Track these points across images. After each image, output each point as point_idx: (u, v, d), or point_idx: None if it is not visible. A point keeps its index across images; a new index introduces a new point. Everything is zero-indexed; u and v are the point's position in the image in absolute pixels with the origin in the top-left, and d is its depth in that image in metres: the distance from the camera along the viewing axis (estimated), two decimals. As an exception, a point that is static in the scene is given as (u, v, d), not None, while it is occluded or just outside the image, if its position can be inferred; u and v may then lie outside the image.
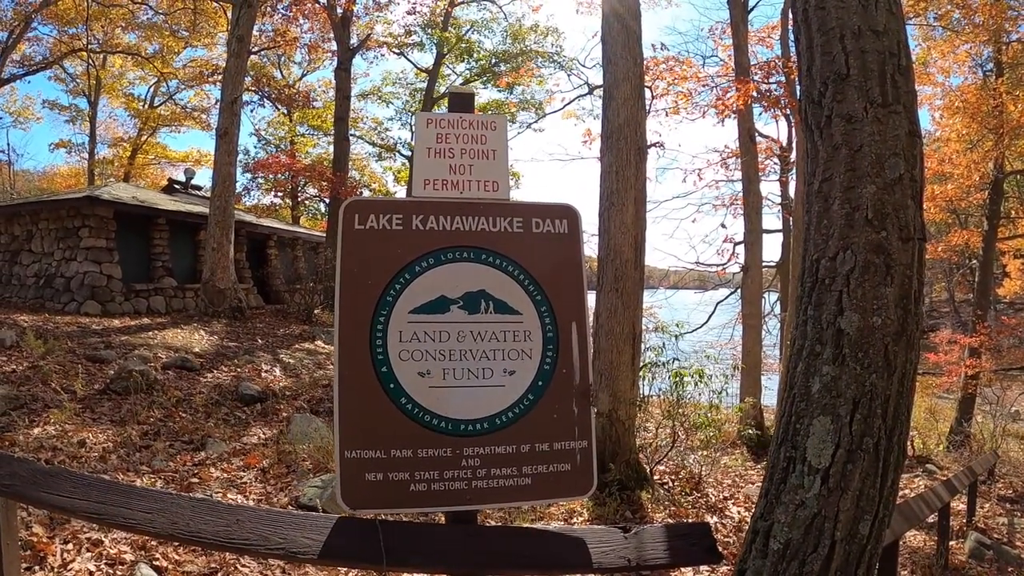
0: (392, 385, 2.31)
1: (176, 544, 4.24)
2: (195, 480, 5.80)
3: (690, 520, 6.51)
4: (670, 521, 6.47)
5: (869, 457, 2.12)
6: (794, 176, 16.53)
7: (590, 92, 21.89)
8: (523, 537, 2.50)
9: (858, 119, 2.25)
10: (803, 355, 2.27)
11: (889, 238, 2.17)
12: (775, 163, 21.22)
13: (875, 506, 2.14)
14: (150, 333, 11.39)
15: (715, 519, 6.73)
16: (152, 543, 4.26)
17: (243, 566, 4.31)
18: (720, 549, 2.46)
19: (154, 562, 4.13)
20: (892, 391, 2.16)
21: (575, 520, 6.28)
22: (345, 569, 4.41)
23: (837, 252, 2.23)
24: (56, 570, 3.86)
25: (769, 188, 21.29)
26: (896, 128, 2.22)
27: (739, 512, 7.11)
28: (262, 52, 26.50)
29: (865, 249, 2.18)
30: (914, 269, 2.21)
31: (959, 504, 8.11)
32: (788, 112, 16.05)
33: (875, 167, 2.20)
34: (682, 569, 5.22)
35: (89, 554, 4.07)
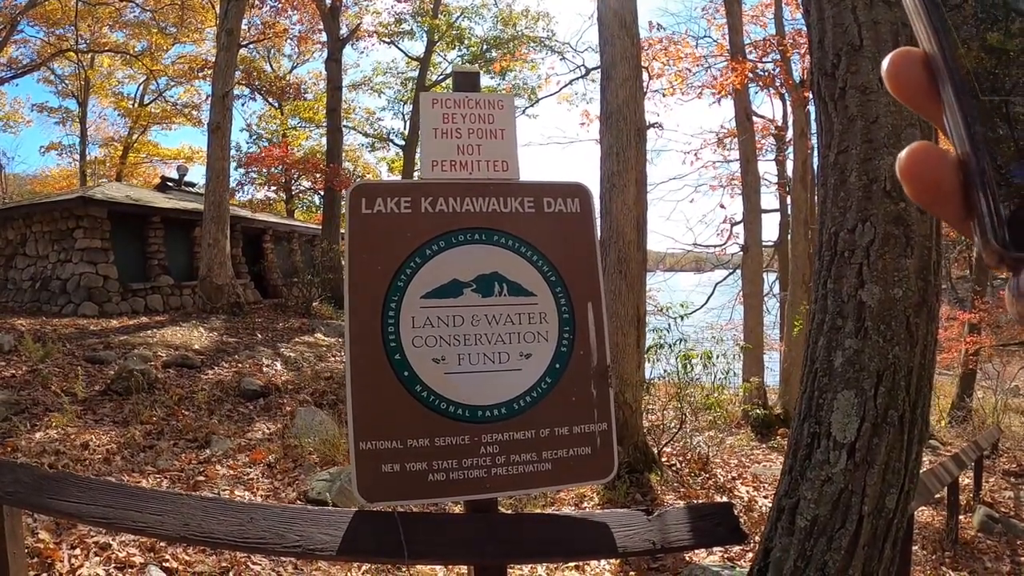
0: (406, 373, 2.26)
1: (186, 545, 4.20)
2: (201, 478, 5.76)
3: (700, 501, 6.49)
4: (680, 503, 6.46)
5: (894, 430, 2.09)
6: (791, 155, 16.46)
7: (586, 74, 21.79)
8: (545, 524, 2.46)
9: (873, 90, 2.21)
10: (824, 329, 2.24)
11: (908, 209, 2.14)
12: (771, 143, 21.16)
13: (901, 479, 2.12)
14: (149, 332, 11.31)
15: (725, 499, 6.72)
16: (161, 545, 4.22)
17: (255, 564, 4.27)
18: (741, 529, 2.43)
19: (164, 564, 4.09)
20: (915, 363, 2.14)
21: (586, 505, 6.25)
22: (358, 564, 4.38)
23: (856, 224, 2.20)
24: (65, 576, 3.82)
25: (765, 168, 21.22)
26: (912, 98, 2.18)
27: (748, 492, 7.11)
28: (251, 45, 26.27)
29: (884, 221, 2.15)
30: (933, 240, 2.19)
31: (965, 479, 8.12)
32: (784, 91, 15.97)
33: (892, 138, 2.17)
34: (696, 550, 5.21)
35: (97, 558, 4.03)
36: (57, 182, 35.42)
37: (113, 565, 4.00)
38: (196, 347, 10.55)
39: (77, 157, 32.67)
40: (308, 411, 8.02)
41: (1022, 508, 8.02)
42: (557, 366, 2.37)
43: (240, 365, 9.92)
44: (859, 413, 2.10)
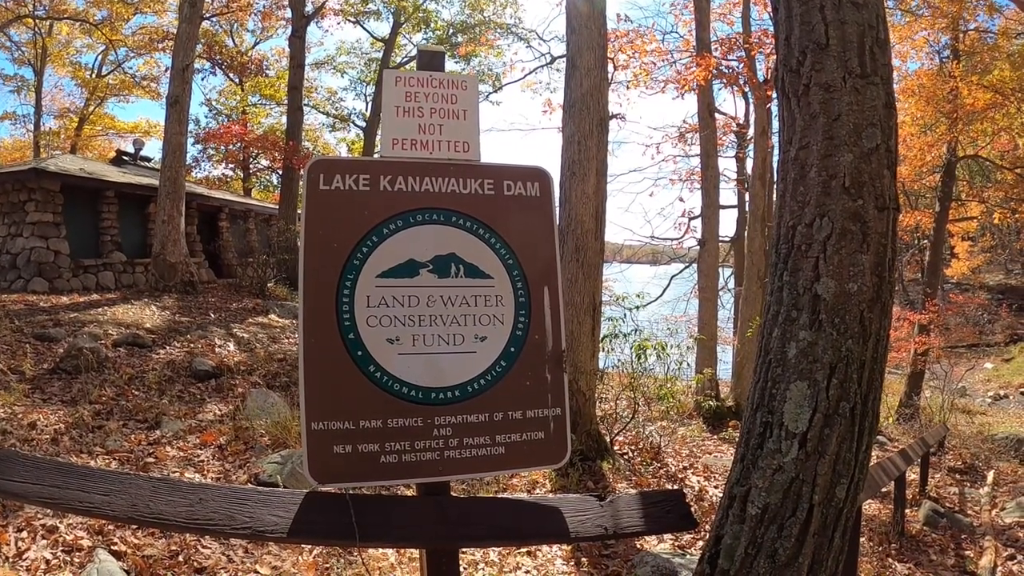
0: (360, 352, 2.23)
1: (135, 528, 4.12)
2: (151, 460, 5.65)
3: (651, 489, 6.55)
4: (632, 491, 6.51)
5: (846, 421, 2.12)
6: (751, 152, 16.63)
7: (552, 62, 21.82)
8: (498, 508, 2.45)
9: (836, 88, 2.24)
10: (779, 320, 2.26)
11: (866, 206, 2.17)
12: (732, 140, 21.39)
13: (851, 470, 2.15)
14: (100, 310, 11.08)
15: (676, 488, 6.79)
16: (109, 527, 4.13)
17: (204, 547, 4.20)
18: (689, 517, 2.45)
19: (112, 547, 4.00)
20: (867, 356, 2.17)
21: (538, 491, 6.27)
22: (308, 547, 4.34)
23: (814, 219, 2.22)
24: (11, 560, 3.72)
25: (724, 164, 21.49)
26: (873, 99, 2.23)
27: (699, 482, 7.19)
28: (214, 18, 25.73)
29: (842, 216, 2.18)
30: (888, 237, 2.22)
31: (911, 474, 8.31)
32: (747, 89, 16.10)
33: (852, 136, 2.21)
34: (646, 537, 5.27)
35: (45, 541, 3.94)
36: (10, 153, 34.52)
37: (61, 548, 3.91)
38: (148, 326, 10.36)
39: (31, 127, 31.88)
40: (260, 393, 7.91)
41: (967, 503, 8.23)
42: (512, 350, 2.37)
43: (192, 345, 9.76)
44: (811, 404, 2.12)
